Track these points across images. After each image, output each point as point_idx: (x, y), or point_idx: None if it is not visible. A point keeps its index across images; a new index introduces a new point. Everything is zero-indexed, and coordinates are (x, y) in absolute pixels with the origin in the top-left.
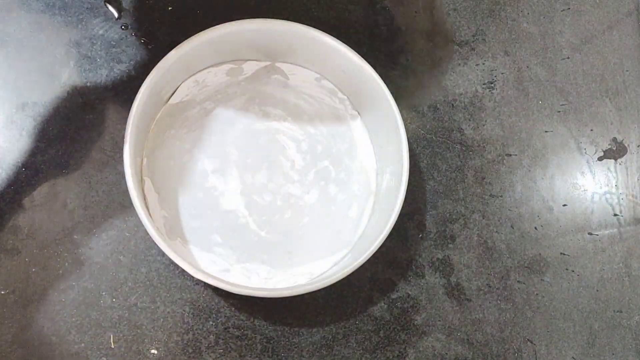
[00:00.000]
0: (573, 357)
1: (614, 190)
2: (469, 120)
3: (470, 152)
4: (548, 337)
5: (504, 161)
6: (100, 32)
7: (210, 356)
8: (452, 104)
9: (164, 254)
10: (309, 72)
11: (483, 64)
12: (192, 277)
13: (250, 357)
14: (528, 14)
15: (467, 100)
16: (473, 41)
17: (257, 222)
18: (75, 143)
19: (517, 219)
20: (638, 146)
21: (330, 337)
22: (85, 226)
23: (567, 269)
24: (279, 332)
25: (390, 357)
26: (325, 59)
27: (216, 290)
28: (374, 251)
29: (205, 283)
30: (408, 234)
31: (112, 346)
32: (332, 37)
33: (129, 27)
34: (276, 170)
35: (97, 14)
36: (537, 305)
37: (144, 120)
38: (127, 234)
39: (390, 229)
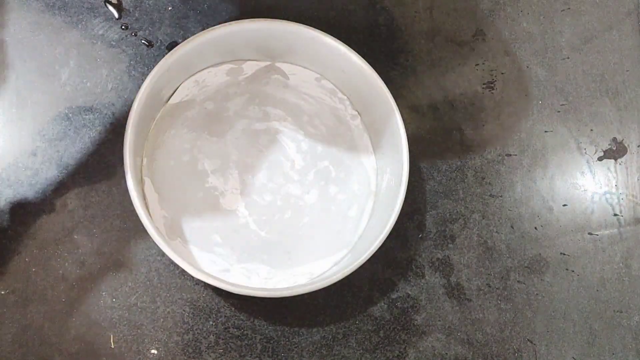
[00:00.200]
0: (573, 357)
1: (614, 190)
2: (469, 120)
3: (470, 152)
4: (548, 337)
5: (504, 161)
6: (100, 32)
7: (210, 356)
8: (452, 104)
9: (164, 254)
10: (309, 72)
11: (483, 64)
12: (192, 277)
13: (250, 357)
14: (528, 14)
15: (467, 100)
16: (473, 41)
17: (257, 222)
18: (75, 143)
19: (517, 219)
20: (638, 146)
21: (330, 337)
22: (85, 226)
23: (567, 269)
24: (279, 332)
25: (390, 357)
26: (325, 59)
27: (216, 290)
28: (374, 251)
29: (205, 283)
30: (408, 234)
31: (112, 346)
32: (332, 37)
33: (129, 27)
34: (276, 170)
35: (97, 14)
36: (537, 305)
37: (144, 120)
38: (127, 234)
39: (390, 229)
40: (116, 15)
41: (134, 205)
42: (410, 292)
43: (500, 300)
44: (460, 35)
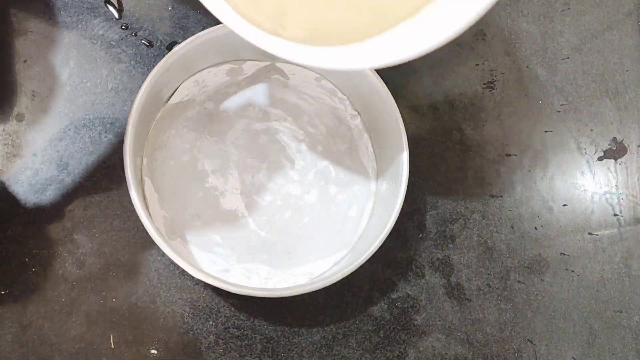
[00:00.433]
0: (573, 357)
1: (614, 190)
2: (469, 120)
3: (470, 152)
4: (548, 337)
5: (504, 161)
6: (100, 32)
7: (210, 356)
8: (452, 104)
9: (164, 254)
10: (309, 72)
11: (483, 64)
12: (192, 277)
13: (250, 357)
14: (528, 14)
15: (467, 100)
16: (473, 41)
17: (257, 222)
18: (75, 143)
19: (517, 219)
20: (638, 146)
21: (330, 337)
22: (85, 226)
23: (567, 269)
24: (279, 332)
25: (390, 357)
26: None
27: (216, 290)
28: (374, 251)
29: (205, 283)
30: (408, 234)
31: (112, 346)
32: None
33: (129, 27)
34: (276, 170)
35: (97, 14)
36: (537, 305)
37: (144, 120)
38: (127, 234)
39: (390, 229)
40: (116, 15)
41: (134, 205)
42: (410, 292)
43: (500, 300)
44: (460, 35)
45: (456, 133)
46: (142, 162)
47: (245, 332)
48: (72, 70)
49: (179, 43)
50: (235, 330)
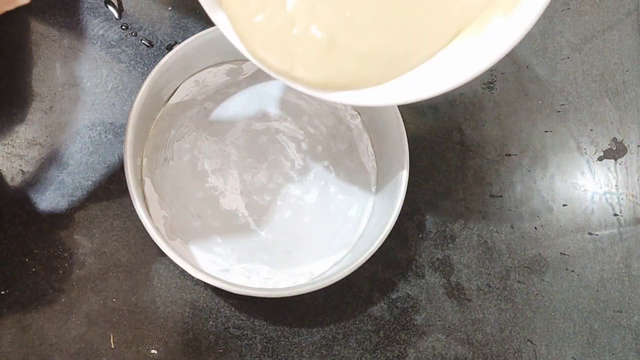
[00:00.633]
0: (573, 357)
1: (614, 190)
2: (469, 120)
3: (470, 152)
4: (548, 337)
5: (504, 161)
6: (100, 32)
7: (210, 356)
8: (452, 104)
9: (164, 254)
10: None
11: None
12: (192, 277)
13: (250, 357)
14: None
15: (467, 100)
16: None
17: (257, 222)
18: (75, 143)
19: (517, 219)
20: (638, 146)
21: (330, 337)
22: (85, 226)
23: (567, 269)
24: (279, 332)
25: (390, 357)
26: None
27: (216, 290)
28: (374, 251)
29: (205, 283)
30: (408, 234)
31: (112, 346)
32: None
33: (129, 27)
34: (276, 170)
35: (97, 14)
36: (537, 305)
37: (144, 120)
38: (127, 234)
39: (390, 229)
40: (116, 15)
41: (134, 205)
42: (410, 292)
43: (500, 300)
44: None
45: (456, 133)
46: (142, 162)
47: (245, 332)
48: (72, 70)
49: (179, 43)
50: (235, 330)
